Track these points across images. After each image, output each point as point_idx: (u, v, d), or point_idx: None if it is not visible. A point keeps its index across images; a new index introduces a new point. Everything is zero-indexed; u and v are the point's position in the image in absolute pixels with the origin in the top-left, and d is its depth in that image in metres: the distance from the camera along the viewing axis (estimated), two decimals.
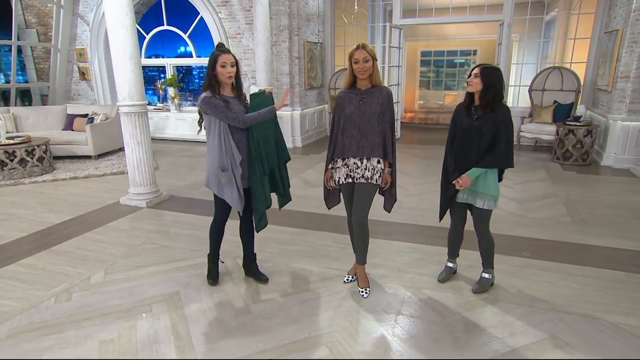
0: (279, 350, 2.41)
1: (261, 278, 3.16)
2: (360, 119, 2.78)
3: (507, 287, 3.02)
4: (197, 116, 2.85)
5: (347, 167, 2.84)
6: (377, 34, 10.54)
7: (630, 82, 6.19)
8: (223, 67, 2.66)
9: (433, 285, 3.07)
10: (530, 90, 7.86)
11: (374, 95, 2.78)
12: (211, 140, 2.77)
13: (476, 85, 2.63)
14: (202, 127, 2.85)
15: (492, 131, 2.63)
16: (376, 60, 2.76)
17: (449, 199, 2.92)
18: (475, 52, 13.47)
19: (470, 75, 2.69)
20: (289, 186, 3.18)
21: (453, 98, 13.53)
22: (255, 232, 3.09)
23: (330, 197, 3.10)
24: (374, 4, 10.38)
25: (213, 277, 3.14)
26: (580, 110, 6.75)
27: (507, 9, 7.56)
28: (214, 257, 3.16)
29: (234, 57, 2.72)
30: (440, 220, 3.08)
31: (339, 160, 2.88)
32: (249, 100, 2.85)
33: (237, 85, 2.83)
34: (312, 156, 7.47)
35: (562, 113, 7.29)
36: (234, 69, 2.71)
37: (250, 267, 3.21)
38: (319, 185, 5.56)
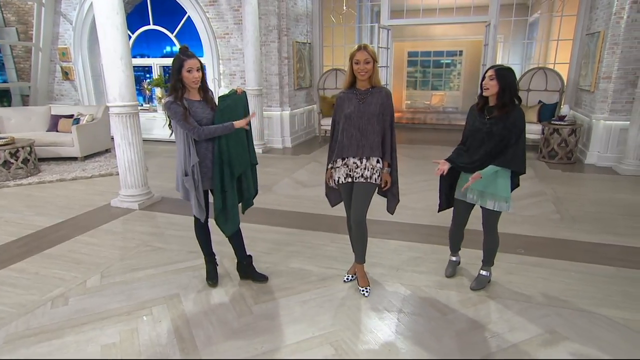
0: (284, 350, 2.41)
1: (260, 279, 3.14)
2: (360, 119, 2.80)
3: (504, 284, 3.08)
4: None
5: (347, 166, 2.86)
6: (365, 34, 10.60)
7: (612, 83, 6.37)
8: (189, 72, 2.62)
9: (432, 283, 3.11)
10: None
11: (374, 96, 2.81)
12: (177, 144, 2.77)
13: (492, 87, 2.60)
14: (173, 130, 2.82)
15: (503, 133, 2.62)
16: (377, 61, 2.79)
17: (448, 188, 2.98)
18: (461, 52, 13.69)
19: (484, 79, 2.66)
20: (256, 192, 3.14)
21: (440, 98, 13.71)
22: (241, 234, 3.08)
23: (332, 196, 3.12)
24: (361, 4, 10.44)
25: (212, 278, 3.13)
26: (564, 110, 6.92)
27: (493, 11, 7.70)
28: (209, 258, 3.14)
29: (200, 62, 2.70)
30: (438, 211, 3.14)
31: (338, 160, 2.89)
32: (217, 103, 2.80)
33: (204, 88, 2.78)
34: (302, 156, 7.47)
35: (547, 112, 7.46)
36: (200, 73, 2.68)
37: (247, 270, 3.17)
38: (312, 186, 5.59)
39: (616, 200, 4.96)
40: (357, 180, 2.84)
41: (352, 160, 2.85)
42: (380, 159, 2.84)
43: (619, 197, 5.08)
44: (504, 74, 2.59)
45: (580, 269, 3.28)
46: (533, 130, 7.37)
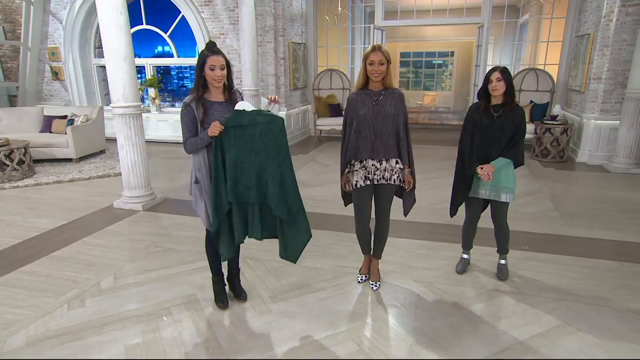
0: (307, 347, 2.45)
1: (239, 295, 2.93)
2: (375, 120, 2.80)
3: (513, 279, 3.17)
4: (179, 117, 2.62)
5: (365, 169, 2.85)
6: (358, 35, 10.68)
7: (602, 83, 6.57)
8: (212, 70, 2.43)
9: (444, 280, 3.18)
10: None
11: (387, 97, 2.82)
12: None
13: (501, 87, 2.81)
14: None
15: (512, 129, 2.85)
16: (390, 63, 2.82)
17: (463, 194, 3.07)
18: (452, 53, 13.89)
19: (490, 82, 2.83)
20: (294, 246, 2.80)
21: (432, 98, 13.88)
22: (239, 248, 2.84)
23: (348, 195, 3.08)
24: (354, 5, 10.51)
25: (222, 300, 2.85)
26: (556, 109, 7.10)
27: (486, 12, 7.85)
28: (217, 278, 2.89)
29: (225, 59, 2.48)
30: (452, 216, 3.21)
31: (356, 163, 2.88)
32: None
33: (229, 88, 2.58)
34: (299, 156, 7.49)
35: (539, 112, 7.63)
36: (224, 71, 2.47)
37: (233, 282, 2.98)
38: (313, 185, 5.63)
39: (610, 197, 5.12)
40: (378, 183, 2.86)
41: (370, 162, 2.84)
42: (398, 160, 2.88)
43: (612, 194, 5.24)
44: (508, 74, 2.84)
45: (584, 264, 3.39)
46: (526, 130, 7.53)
